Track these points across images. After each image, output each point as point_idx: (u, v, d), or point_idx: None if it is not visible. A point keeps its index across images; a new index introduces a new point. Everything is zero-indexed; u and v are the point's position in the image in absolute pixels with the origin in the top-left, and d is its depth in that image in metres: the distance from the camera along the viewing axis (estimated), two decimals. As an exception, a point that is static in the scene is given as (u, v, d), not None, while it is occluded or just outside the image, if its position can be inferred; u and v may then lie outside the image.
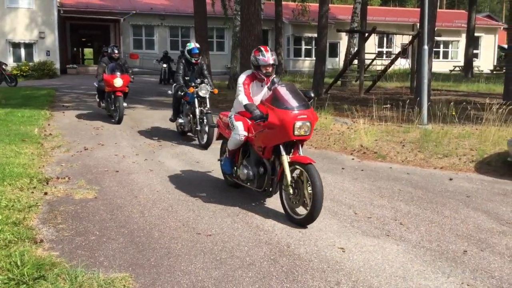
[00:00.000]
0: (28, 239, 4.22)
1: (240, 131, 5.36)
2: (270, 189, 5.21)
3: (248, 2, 13.66)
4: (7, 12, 27.14)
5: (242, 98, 5.25)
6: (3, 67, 21.85)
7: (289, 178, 4.84)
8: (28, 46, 27.72)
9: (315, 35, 22.21)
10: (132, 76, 11.53)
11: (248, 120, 5.39)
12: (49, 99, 15.34)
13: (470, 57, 29.70)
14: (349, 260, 4.07)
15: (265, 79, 5.46)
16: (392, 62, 19.53)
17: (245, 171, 5.38)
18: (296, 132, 4.78)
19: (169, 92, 10.20)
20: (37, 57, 27.42)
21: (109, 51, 12.00)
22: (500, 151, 7.75)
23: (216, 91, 9.12)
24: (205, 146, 8.54)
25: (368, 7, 27.28)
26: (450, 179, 6.79)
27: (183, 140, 9.48)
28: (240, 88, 5.35)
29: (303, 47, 34.73)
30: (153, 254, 4.11)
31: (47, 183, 6.07)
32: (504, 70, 20.75)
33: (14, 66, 26.09)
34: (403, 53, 19.30)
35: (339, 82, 21.26)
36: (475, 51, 33.72)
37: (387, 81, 22.88)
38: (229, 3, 25.07)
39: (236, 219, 5.03)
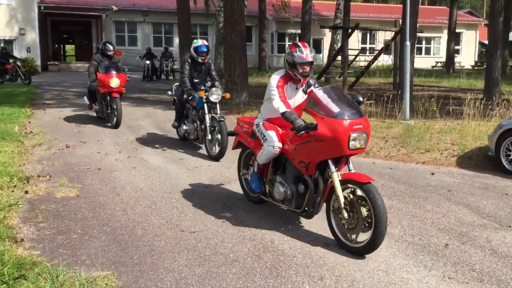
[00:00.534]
0: (8, 239, 4.15)
1: (275, 142, 4.61)
2: (311, 209, 4.40)
3: (231, -2, 13.60)
4: (-14, 9, 26.66)
5: (278, 104, 4.44)
6: (18, 63, 20.23)
7: (342, 200, 4.10)
8: (8, 43, 27.22)
9: (299, 31, 22.28)
10: (128, 75, 10.61)
11: (279, 128, 4.75)
12: (30, 97, 15.11)
13: (451, 53, 29.99)
14: (333, 255, 4.09)
15: (302, 80, 4.68)
16: (375, 58, 19.64)
17: (281, 189, 4.63)
18: (351, 145, 4.03)
19: (169, 93, 9.08)
20: (18, 54, 26.89)
21: (102, 48, 10.71)
22: (481, 146, 7.86)
23: (228, 95, 8.23)
24: (216, 158, 7.48)
25: (351, 3, 27.33)
26: (432, 174, 6.86)
27: (184, 146, 9.41)
28: (274, 92, 4.54)
29: (287, 43, 34.70)
30: (136, 252, 4.08)
31: (28, 182, 5.98)
32: (484, 66, 21.02)
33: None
34: (386, 49, 19.41)
35: (323, 78, 21.31)
36: (456, 47, 34.06)
37: (370, 77, 23.00)
38: (212, 0, 24.96)
39: (220, 215, 5.02)
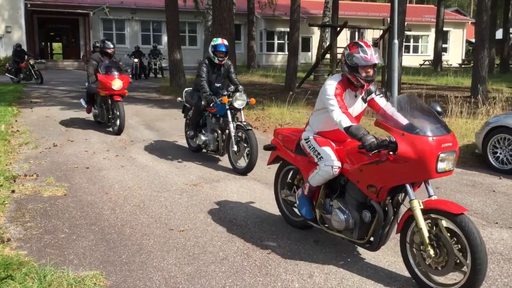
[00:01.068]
0: (-6, 239, 4.11)
1: (333, 161, 3.87)
2: (378, 241, 3.70)
3: (220, -4, 13.56)
4: (-29, 6, 26.35)
5: (339, 117, 3.68)
6: (30, 62, 19.08)
7: (426, 234, 3.37)
8: (-6, 41, 26.98)
9: (288, 29, 22.29)
10: (131, 76, 9.71)
11: (333, 144, 4.05)
12: (17, 95, 14.96)
13: (439, 51, 30.25)
14: (322, 253, 4.10)
15: (365, 86, 3.94)
16: (364, 56, 19.71)
17: (342, 217, 3.86)
18: (439, 168, 3.33)
19: (179, 99, 8.16)
20: (4, 52, 26.69)
21: (101, 46, 9.81)
22: (468, 143, 7.93)
23: (253, 100, 7.16)
24: (243, 172, 6.61)
25: (340, 1, 27.39)
26: (420, 171, 6.89)
27: (174, 145, 9.36)
28: (332, 101, 3.78)
29: (276, 41, 34.75)
30: (125, 251, 4.06)
31: (15, 181, 5.92)
32: (472, 64, 21.20)
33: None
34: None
35: (312, 76, 21.37)
36: (444, 46, 34.34)
37: (359, 75, 23.11)
38: (201, -3, 24.88)
39: (209, 214, 5.01)
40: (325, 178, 3.96)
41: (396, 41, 10.72)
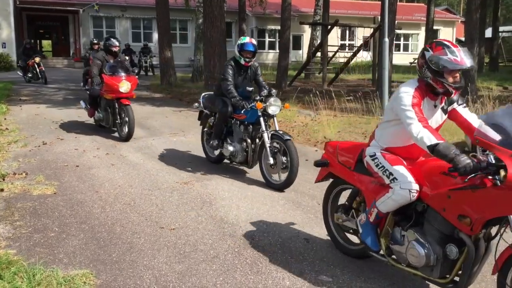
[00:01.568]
0: (-17, 238, 4.07)
1: (411, 184, 3.23)
2: (465, 281, 3.09)
3: (210, -7, 13.53)
4: (-41, 3, 26.03)
5: (421, 133, 3.08)
6: (36, 60, 17.96)
7: None
8: (-17, 39, 26.68)
9: (279, 27, 22.27)
10: (137, 77, 8.93)
11: (403, 161, 3.44)
12: (6, 93, 14.82)
13: (429, 50, 30.39)
14: (313, 250, 4.11)
15: (454, 93, 3.30)
16: (354, 54, 19.82)
17: (421, 251, 3.19)
18: None
19: (195, 105, 7.38)
20: (-7, 50, 26.45)
21: (105, 43, 8.85)
22: (458, 141, 7.97)
23: (288, 106, 6.66)
24: (280, 188, 5.84)
25: (331, 0, 27.47)
26: (410, 169, 6.93)
27: (165, 143, 9.31)
28: (409, 112, 3.16)
29: (267, 39, 34.75)
30: (115, 250, 4.04)
31: (4, 179, 5.86)
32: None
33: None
34: (364, 46, 19.60)
35: (302, 75, 21.41)
36: (434, 44, 34.50)
37: (349, 74, 23.19)
38: (192, -5, 24.79)
39: (200, 212, 5.00)
40: (399, 204, 3.32)
41: (386, 39, 10.76)
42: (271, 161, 5.93)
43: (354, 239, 4.01)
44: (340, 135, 8.86)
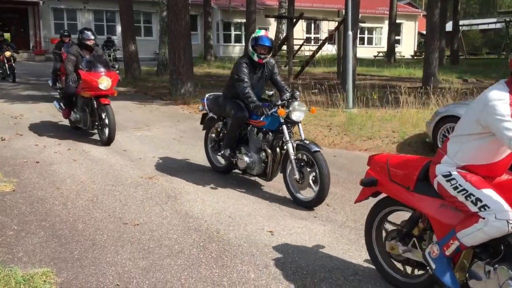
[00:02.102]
0: None
1: (509, 213, 2.66)
2: None
3: (174, -14, 13.34)
4: None
5: None
6: (6, 54, 16.16)
7: None
8: None
9: (244, 20, 22.23)
10: (118, 72, 8.28)
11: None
12: (-39, 87, 14.29)
13: (392, 43, 30.89)
14: (278, 243, 4.13)
15: None
16: (320, 47, 19.94)
17: None
18: None
19: (200, 108, 6.50)
20: None
21: (79, 37, 8.10)
22: (420, 132, 8.16)
23: (314, 110, 5.59)
24: (310, 205, 5.07)
25: (296, -7, 27.60)
26: (374, 160, 7.04)
27: (130, 138, 9.12)
28: (507, 123, 2.59)
29: (233, 32, 34.59)
30: (77, 247, 3.95)
31: (-41, 177, 5.66)
32: (423, 56, 21.78)
33: None
34: (329, 39, 19.76)
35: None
36: (397, 37, 35.09)
37: (315, 67, 23.34)
38: (156, -13, 24.42)
39: (165, 207, 4.95)
40: (491, 237, 2.72)
41: (350, 32, 10.86)
42: (297, 175, 5.17)
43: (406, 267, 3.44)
44: (305, 127, 8.90)
